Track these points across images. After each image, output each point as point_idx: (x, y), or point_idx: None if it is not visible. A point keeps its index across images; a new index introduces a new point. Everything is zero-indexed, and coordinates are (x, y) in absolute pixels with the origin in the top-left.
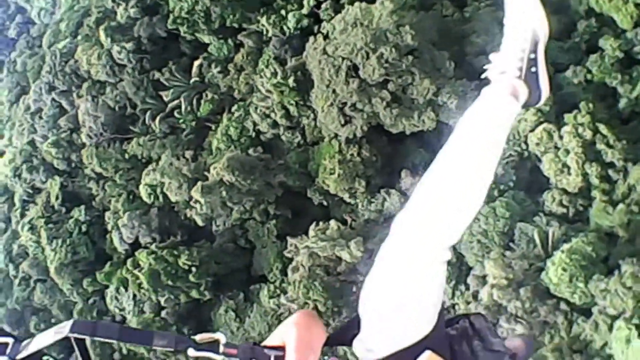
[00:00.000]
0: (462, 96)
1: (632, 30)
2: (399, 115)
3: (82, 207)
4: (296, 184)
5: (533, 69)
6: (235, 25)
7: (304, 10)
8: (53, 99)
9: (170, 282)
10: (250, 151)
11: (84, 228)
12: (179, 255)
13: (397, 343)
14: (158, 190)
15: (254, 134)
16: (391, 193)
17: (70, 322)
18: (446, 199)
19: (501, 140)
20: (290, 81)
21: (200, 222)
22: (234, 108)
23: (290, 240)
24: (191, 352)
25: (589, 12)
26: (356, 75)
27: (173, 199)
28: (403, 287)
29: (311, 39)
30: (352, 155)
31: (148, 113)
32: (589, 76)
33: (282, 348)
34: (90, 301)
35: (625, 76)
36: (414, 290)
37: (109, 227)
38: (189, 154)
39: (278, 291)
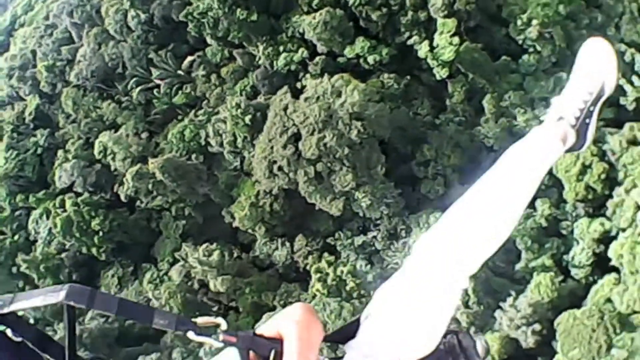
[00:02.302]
0: (378, 199)
1: (572, 204)
2: (314, 192)
3: (47, 131)
4: (216, 200)
5: (587, 120)
6: (236, 41)
7: (296, 57)
8: (67, 25)
9: (78, 234)
10: (193, 156)
11: (39, 151)
12: (95, 217)
13: (400, 356)
14: (109, 151)
15: (203, 142)
16: (285, 246)
17: (66, 287)
18: (477, 227)
19: (539, 179)
20: (247, 118)
21: (122, 198)
22: (200, 112)
23: (184, 245)
24: (191, 335)
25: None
26: (295, 144)
27: (114, 166)
28: (419, 304)
29: (284, 88)
30: (264, 203)
31: (133, 79)
32: None
33: (279, 341)
34: (17, 213)
35: (535, 244)
36: (429, 309)
37: (57, 163)
38: (145, 134)
39: (157, 281)
